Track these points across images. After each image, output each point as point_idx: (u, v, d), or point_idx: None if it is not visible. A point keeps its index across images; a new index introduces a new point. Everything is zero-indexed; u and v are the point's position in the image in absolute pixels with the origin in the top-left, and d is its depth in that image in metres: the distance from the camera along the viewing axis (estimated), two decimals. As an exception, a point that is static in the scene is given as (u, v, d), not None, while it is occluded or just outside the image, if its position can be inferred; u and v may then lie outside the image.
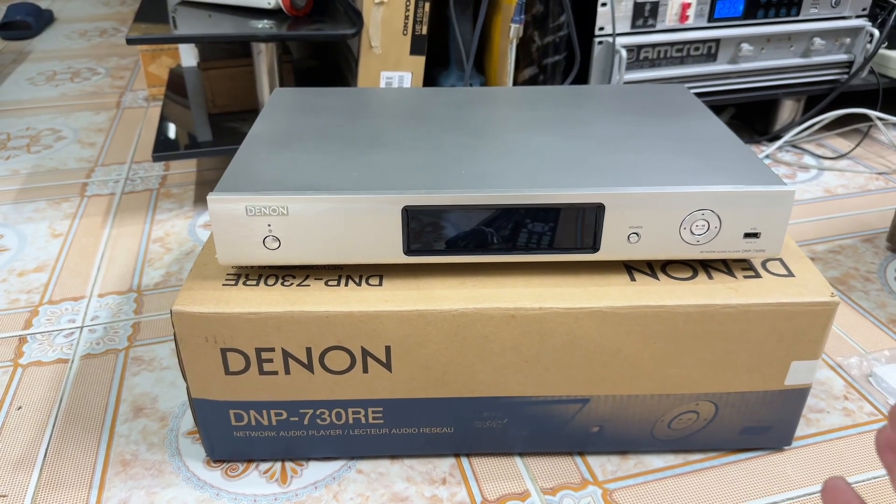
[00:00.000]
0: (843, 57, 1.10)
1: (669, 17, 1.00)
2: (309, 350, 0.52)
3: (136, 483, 0.57)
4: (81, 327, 0.75)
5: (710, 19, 1.02)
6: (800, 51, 1.07)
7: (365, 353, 0.52)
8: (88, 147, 1.20)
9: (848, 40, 1.08)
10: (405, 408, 0.55)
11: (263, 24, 0.92)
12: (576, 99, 0.67)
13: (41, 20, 1.86)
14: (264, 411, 0.55)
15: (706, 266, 0.55)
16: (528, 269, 0.55)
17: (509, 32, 0.95)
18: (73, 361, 0.71)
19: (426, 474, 0.58)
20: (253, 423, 0.56)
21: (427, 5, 0.92)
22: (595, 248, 0.52)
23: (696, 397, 0.55)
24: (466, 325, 0.51)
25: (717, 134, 0.59)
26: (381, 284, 0.53)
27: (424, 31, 0.93)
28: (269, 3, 0.94)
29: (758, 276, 0.54)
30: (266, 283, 0.53)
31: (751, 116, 1.22)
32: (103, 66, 1.60)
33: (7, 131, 1.26)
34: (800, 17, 1.05)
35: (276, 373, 0.53)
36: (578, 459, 0.59)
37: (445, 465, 0.58)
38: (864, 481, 0.57)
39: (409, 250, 0.51)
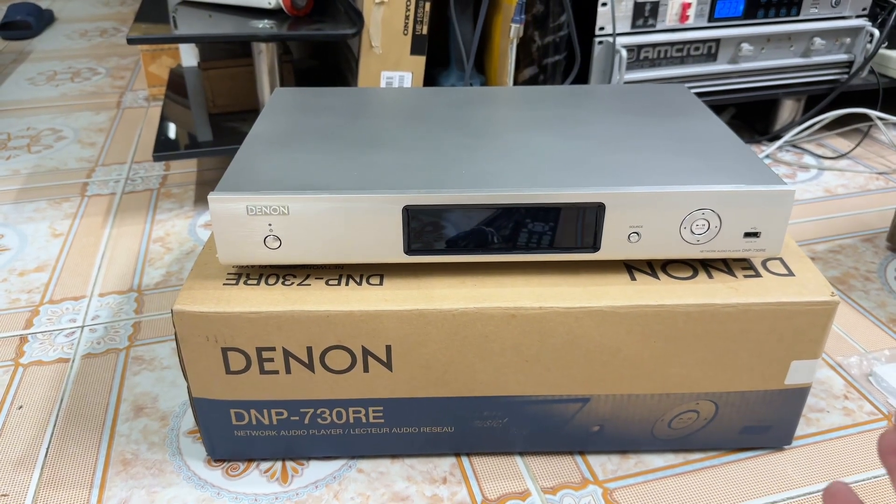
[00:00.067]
0: (843, 57, 1.10)
1: (669, 16, 1.00)
2: (309, 349, 0.52)
3: (136, 482, 0.57)
4: (82, 327, 0.76)
5: (711, 19, 1.02)
6: (800, 51, 1.08)
7: (365, 352, 0.52)
8: (89, 147, 1.20)
9: (848, 40, 1.08)
10: (406, 407, 0.55)
11: (264, 24, 0.92)
12: (576, 99, 0.67)
13: (41, 20, 1.86)
14: (265, 411, 0.55)
15: (706, 265, 0.55)
16: (528, 268, 0.55)
17: (509, 32, 0.95)
18: (73, 361, 0.71)
19: (427, 474, 0.58)
20: (254, 422, 0.56)
21: (427, 5, 0.92)
22: (595, 247, 0.52)
23: (696, 397, 0.55)
24: (467, 325, 0.51)
25: (717, 134, 0.59)
26: (381, 284, 0.53)
27: (425, 30, 0.93)
28: (270, 3, 0.94)
29: (758, 275, 0.54)
30: (267, 283, 0.53)
31: (751, 116, 1.22)
32: (104, 65, 1.61)
33: (7, 131, 1.26)
34: (800, 17, 1.06)
35: (276, 372, 0.53)
36: (579, 459, 0.59)
37: (446, 464, 0.59)
38: (863, 481, 0.57)
39: (409, 250, 0.51)
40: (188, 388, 0.54)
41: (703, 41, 1.03)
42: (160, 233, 0.93)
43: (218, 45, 1.14)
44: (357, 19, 0.91)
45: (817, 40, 1.06)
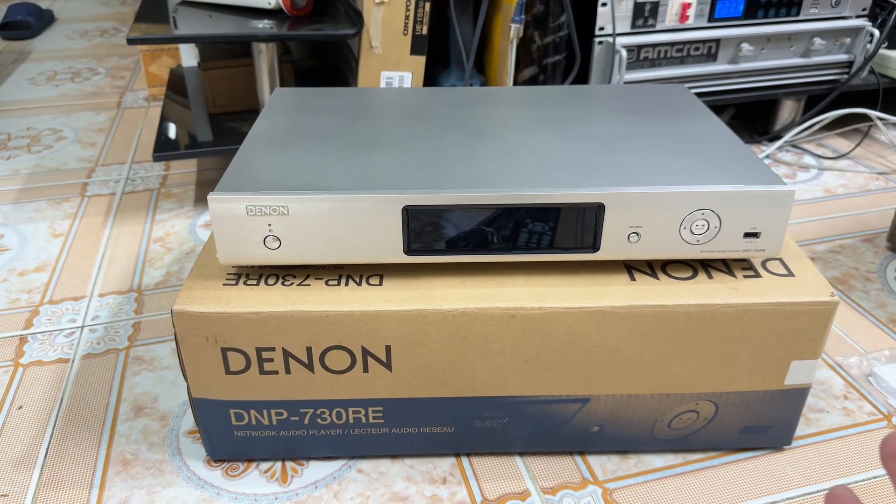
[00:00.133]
0: (843, 57, 1.10)
1: (669, 17, 1.00)
2: (309, 350, 0.52)
3: (136, 482, 0.57)
4: (82, 327, 0.76)
5: (711, 19, 1.02)
6: (800, 51, 1.08)
7: (365, 352, 0.52)
8: (89, 147, 1.20)
9: (848, 40, 1.08)
10: (405, 407, 0.55)
11: (264, 24, 0.92)
12: (576, 99, 0.67)
13: (42, 20, 1.86)
14: (265, 411, 0.55)
15: (706, 266, 0.55)
16: (528, 268, 0.55)
17: (509, 32, 0.95)
18: (73, 361, 0.71)
19: (426, 474, 0.58)
20: (253, 422, 0.56)
21: (427, 5, 0.92)
22: (595, 247, 0.52)
23: (696, 397, 0.55)
24: (466, 325, 0.51)
25: (717, 134, 0.59)
26: (381, 284, 0.53)
27: (425, 31, 0.93)
28: (270, 3, 0.94)
29: (758, 275, 0.54)
30: (266, 283, 0.53)
31: (751, 116, 1.22)
32: (104, 66, 1.61)
33: (7, 131, 1.26)
34: (800, 17, 1.06)
35: (276, 372, 0.53)
36: (578, 459, 0.59)
37: (446, 464, 0.59)
38: (863, 481, 0.57)
39: (409, 250, 0.51)
40: (188, 388, 0.54)
41: (703, 41, 1.03)
42: (160, 233, 0.93)
43: (218, 46, 1.14)
44: (357, 19, 0.91)
45: (817, 40, 1.06)
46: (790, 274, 0.54)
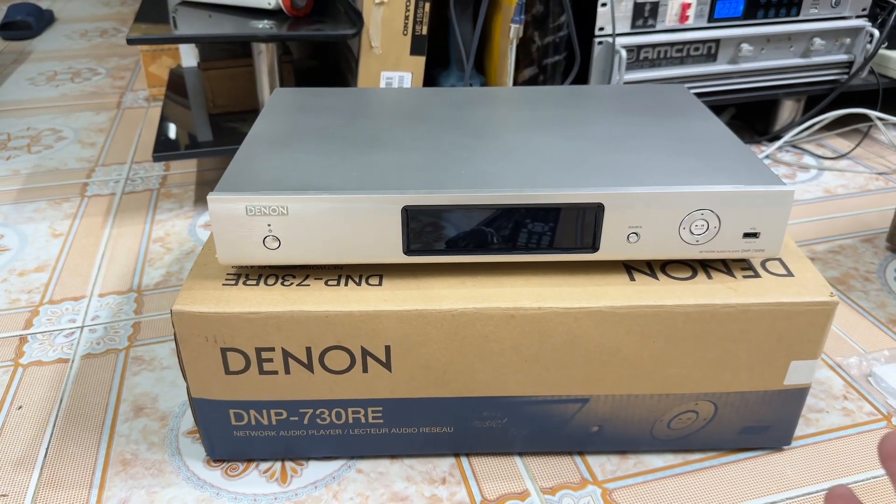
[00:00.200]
0: (843, 57, 1.10)
1: (669, 17, 1.00)
2: (309, 350, 0.52)
3: (136, 482, 0.57)
4: (82, 327, 0.76)
5: (710, 19, 1.02)
6: (800, 51, 1.08)
7: (365, 352, 0.52)
8: (89, 147, 1.20)
9: (848, 40, 1.09)
10: (405, 407, 0.55)
11: (264, 25, 0.92)
12: (576, 99, 0.67)
13: (42, 20, 1.86)
14: (264, 411, 0.55)
15: (705, 266, 0.55)
16: (527, 268, 0.55)
17: (509, 32, 0.95)
18: (73, 361, 0.71)
19: (426, 474, 0.58)
20: (253, 422, 0.56)
21: (427, 5, 0.92)
22: (594, 247, 0.52)
23: (695, 397, 0.55)
24: (466, 325, 0.51)
25: (716, 134, 0.59)
26: (380, 284, 0.53)
27: (424, 31, 0.93)
28: (270, 4, 0.94)
29: (757, 275, 0.54)
30: (266, 283, 0.53)
31: (751, 116, 1.22)
32: (104, 66, 1.61)
33: (7, 131, 1.26)
34: (800, 18, 1.06)
35: (276, 372, 0.53)
36: (578, 459, 0.59)
37: (445, 464, 0.59)
38: (863, 481, 0.57)
39: (408, 250, 0.51)
40: (187, 388, 0.54)
41: (703, 41, 1.03)
42: (160, 233, 0.93)
43: (218, 46, 1.14)
44: (357, 20, 0.91)
45: (817, 40, 1.06)
46: (789, 274, 0.54)
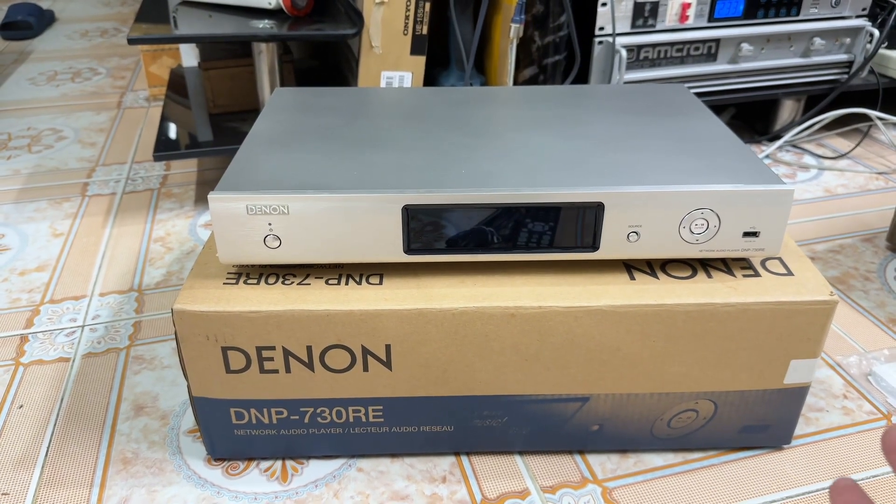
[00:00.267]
0: (843, 57, 1.10)
1: (669, 17, 1.00)
2: (309, 348, 0.52)
3: (136, 481, 0.57)
4: (83, 326, 0.76)
5: (710, 19, 1.02)
6: (800, 51, 1.08)
7: (365, 351, 0.52)
8: (89, 147, 1.20)
9: (848, 40, 1.09)
10: (405, 406, 0.55)
11: (264, 24, 0.92)
12: (576, 99, 0.67)
13: (42, 20, 1.86)
14: (265, 410, 0.55)
15: (705, 265, 0.55)
16: (527, 268, 0.55)
17: (509, 32, 0.95)
18: (74, 360, 0.71)
19: (426, 472, 0.58)
20: (254, 421, 0.56)
21: (427, 5, 0.92)
22: (595, 247, 0.52)
23: (695, 396, 0.55)
24: (466, 324, 0.51)
25: (716, 133, 0.59)
26: (381, 283, 0.53)
27: (425, 30, 0.93)
28: (270, 4, 0.95)
29: (757, 275, 0.54)
30: (267, 282, 0.53)
31: (751, 116, 1.22)
32: (104, 66, 1.61)
33: (8, 131, 1.26)
34: (800, 17, 1.06)
35: (276, 371, 0.53)
36: (578, 458, 0.59)
37: (445, 463, 0.59)
38: (863, 480, 0.57)
39: (409, 249, 0.51)
40: (188, 387, 0.54)
41: (703, 41, 1.03)
42: (160, 232, 0.93)
43: (218, 46, 1.14)
44: (357, 19, 0.91)
45: (817, 40, 1.06)
46: (789, 273, 0.54)
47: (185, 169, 1.12)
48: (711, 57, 1.04)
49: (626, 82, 1.02)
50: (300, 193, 0.49)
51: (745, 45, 1.04)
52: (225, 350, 0.52)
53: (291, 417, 0.56)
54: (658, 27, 1.00)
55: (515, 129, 0.60)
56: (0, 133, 1.25)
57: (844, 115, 1.15)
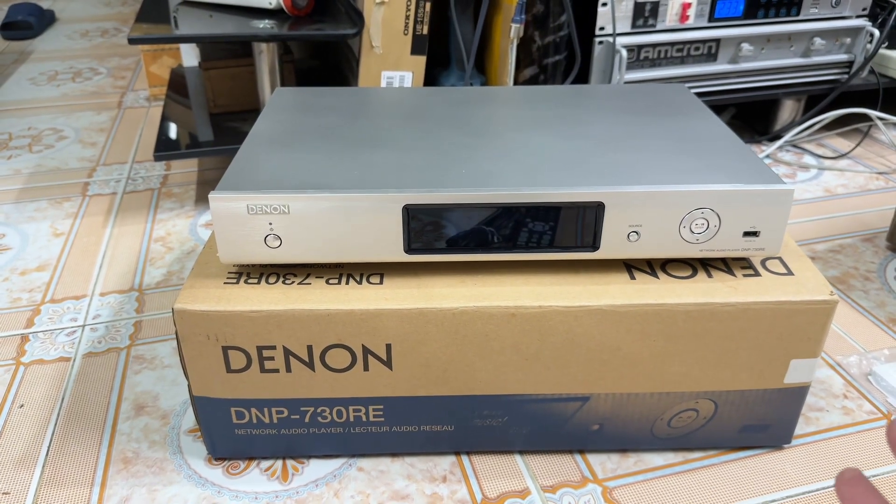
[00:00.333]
0: (843, 57, 1.10)
1: (670, 16, 1.00)
2: (310, 348, 0.52)
3: (137, 481, 0.57)
4: (83, 326, 0.76)
5: (711, 19, 1.02)
6: (800, 51, 1.08)
7: (366, 351, 0.52)
8: (90, 147, 1.20)
9: (848, 40, 1.09)
10: (406, 406, 0.55)
11: (265, 24, 0.92)
12: (576, 98, 0.67)
13: (43, 20, 1.86)
14: (265, 409, 0.55)
15: (706, 264, 0.55)
16: (528, 267, 0.55)
17: (510, 32, 0.95)
18: (74, 360, 0.71)
19: (427, 472, 0.58)
20: (254, 420, 0.56)
21: (428, 5, 0.92)
22: (595, 246, 0.52)
23: (695, 395, 0.56)
24: (467, 324, 0.51)
25: (717, 133, 0.59)
26: (381, 283, 0.53)
27: (425, 30, 0.93)
28: (271, 3, 0.95)
29: (757, 274, 0.54)
30: (267, 282, 0.53)
31: (751, 116, 1.22)
32: (105, 66, 1.61)
33: (9, 131, 1.26)
34: (800, 17, 1.06)
35: (277, 371, 0.53)
36: (578, 457, 0.59)
37: (446, 462, 0.59)
38: (863, 479, 0.57)
39: (409, 249, 0.52)
40: (189, 386, 0.55)
41: (704, 41, 1.03)
42: (161, 232, 0.93)
43: (219, 45, 1.14)
44: (357, 19, 0.91)
45: (817, 40, 1.06)
46: (790, 273, 0.54)
47: (186, 169, 1.12)
48: (712, 57, 1.04)
49: (626, 82, 1.02)
50: (301, 193, 0.49)
51: (745, 45, 1.04)
52: (225, 349, 0.52)
53: (292, 417, 0.56)
54: (658, 27, 1.00)
55: (516, 128, 0.60)
56: (1, 133, 1.26)
57: (844, 115, 1.15)
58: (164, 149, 0.96)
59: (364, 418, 0.56)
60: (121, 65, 1.61)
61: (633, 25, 0.99)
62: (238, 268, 0.55)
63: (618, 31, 0.99)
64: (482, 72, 1.09)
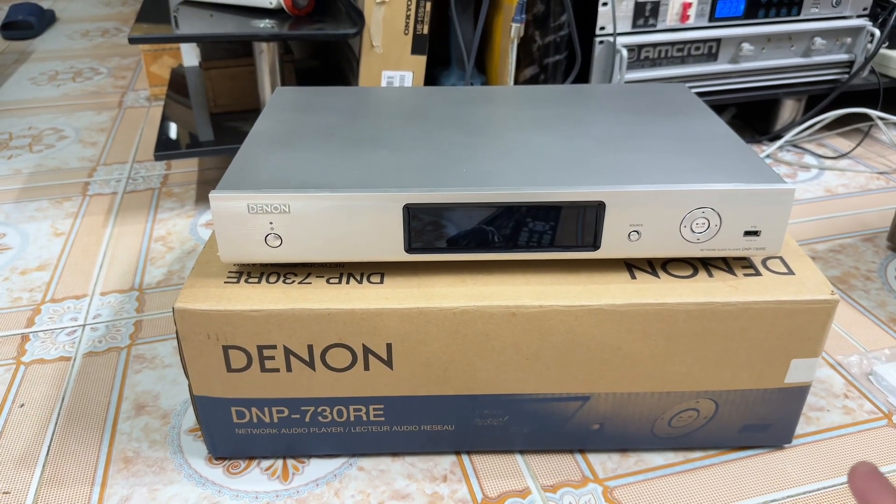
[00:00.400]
0: (843, 57, 1.10)
1: (670, 16, 1.00)
2: (310, 347, 0.52)
3: (138, 480, 0.57)
4: (83, 325, 0.76)
5: (711, 19, 1.02)
6: (800, 50, 1.08)
7: (366, 350, 0.52)
8: (90, 146, 1.20)
9: (849, 40, 1.09)
10: (406, 405, 0.55)
11: (265, 24, 0.92)
12: (577, 98, 0.67)
13: (43, 20, 1.87)
14: (266, 409, 0.55)
15: (706, 264, 0.55)
16: (528, 267, 0.55)
17: (510, 32, 0.95)
18: (75, 359, 0.71)
19: (427, 471, 0.58)
20: (254, 420, 0.56)
21: (428, 5, 0.92)
22: (595, 246, 0.52)
23: (696, 395, 0.56)
24: (467, 323, 0.51)
25: (717, 133, 0.59)
26: (382, 282, 0.53)
27: (425, 30, 0.93)
28: (271, 3, 0.95)
29: (758, 274, 0.54)
30: (268, 281, 0.53)
31: (751, 116, 1.22)
32: (105, 65, 1.61)
33: (9, 131, 1.26)
34: (800, 17, 1.06)
35: (277, 370, 0.53)
36: (579, 457, 0.59)
37: (446, 462, 0.59)
38: (863, 479, 0.57)
39: (410, 248, 0.52)
40: (189, 386, 0.55)
41: (704, 41, 1.03)
42: (161, 232, 0.93)
43: (219, 45, 1.14)
44: (358, 19, 0.91)
45: (818, 40, 1.06)
46: (790, 272, 0.54)
47: (186, 168, 1.12)
48: (712, 57, 1.04)
49: (626, 82, 1.02)
50: (301, 192, 0.49)
51: (745, 45, 1.04)
52: (226, 349, 0.52)
53: (292, 416, 0.56)
54: (659, 27, 1.00)
55: (516, 128, 0.60)
56: (1, 133, 1.26)
57: (845, 115, 1.15)
58: (165, 148, 0.96)
59: (364, 418, 0.56)
60: (121, 64, 1.61)
61: (634, 25, 0.99)
62: (238, 267, 0.55)
63: (618, 30, 0.99)
64: (482, 71, 1.09)
